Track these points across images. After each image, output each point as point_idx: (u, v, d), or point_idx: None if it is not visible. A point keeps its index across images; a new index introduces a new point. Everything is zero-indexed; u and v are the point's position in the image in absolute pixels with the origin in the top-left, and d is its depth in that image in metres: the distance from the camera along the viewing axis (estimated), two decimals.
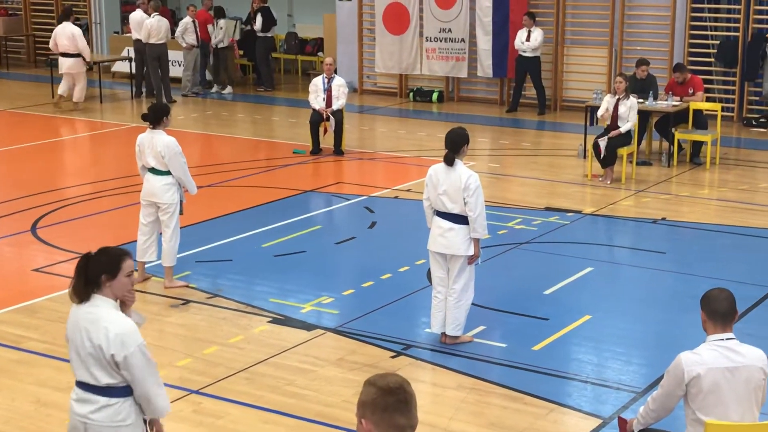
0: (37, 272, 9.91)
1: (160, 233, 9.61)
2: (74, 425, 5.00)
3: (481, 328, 8.55)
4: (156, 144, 9.36)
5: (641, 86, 14.53)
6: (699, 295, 5.56)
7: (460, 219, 7.95)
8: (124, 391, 4.91)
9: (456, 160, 8.00)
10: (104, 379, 4.87)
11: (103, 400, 4.90)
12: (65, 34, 18.29)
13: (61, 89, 18.68)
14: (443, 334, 8.22)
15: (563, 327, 8.59)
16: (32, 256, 10.38)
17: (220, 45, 20.39)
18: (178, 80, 20.32)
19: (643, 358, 8.14)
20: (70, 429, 5.06)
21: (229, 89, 20.61)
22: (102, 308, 4.88)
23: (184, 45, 19.81)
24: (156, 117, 9.42)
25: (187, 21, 19.82)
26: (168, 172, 9.37)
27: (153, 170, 9.43)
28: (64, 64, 18.38)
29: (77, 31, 18.50)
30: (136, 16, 19.31)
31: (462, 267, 8.04)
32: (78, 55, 18.37)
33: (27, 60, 24.74)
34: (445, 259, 8.11)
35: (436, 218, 8.06)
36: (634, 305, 9.22)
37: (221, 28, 20.42)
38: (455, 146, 8.02)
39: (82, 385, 4.95)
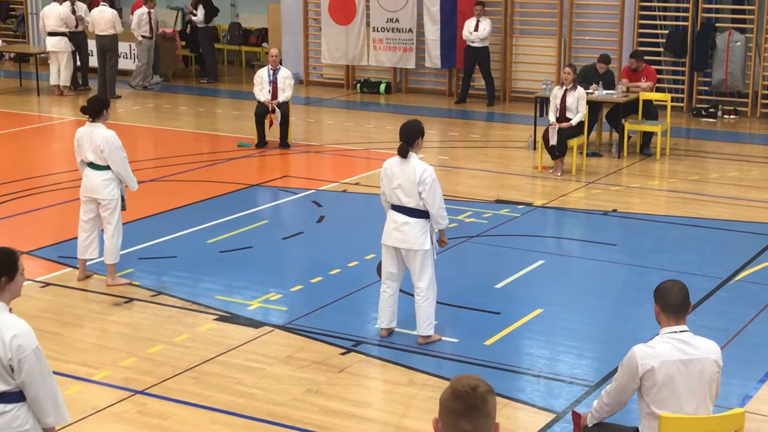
0: None
1: (102, 230, 9.33)
2: None
3: (432, 323, 8.40)
4: (95, 138, 9.11)
5: (598, 80, 14.49)
6: (651, 287, 5.54)
7: (416, 212, 7.81)
8: (19, 396, 4.79)
9: (410, 152, 7.85)
10: (1, 387, 4.74)
11: (9, 406, 4.77)
12: (53, 15, 18.65)
13: (53, 79, 18.91)
14: (420, 336, 8.03)
15: (515, 321, 8.50)
16: None
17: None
18: (124, 72, 19.97)
19: (595, 352, 8.07)
20: None
21: (156, 79, 20.31)
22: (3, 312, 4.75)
23: (140, 37, 19.41)
24: (95, 110, 9.15)
25: (142, 12, 19.43)
26: (107, 167, 9.12)
27: (92, 165, 9.17)
28: (50, 42, 18.71)
29: (63, 11, 18.71)
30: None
31: (423, 263, 7.88)
32: (64, 35, 18.61)
33: None
34: (399, 253, 7.94)
35: (392, 212, 7.94)
36: (586, 298, 9.15)
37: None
38: (410, 138, 7.90)
39: None
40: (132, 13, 20.29)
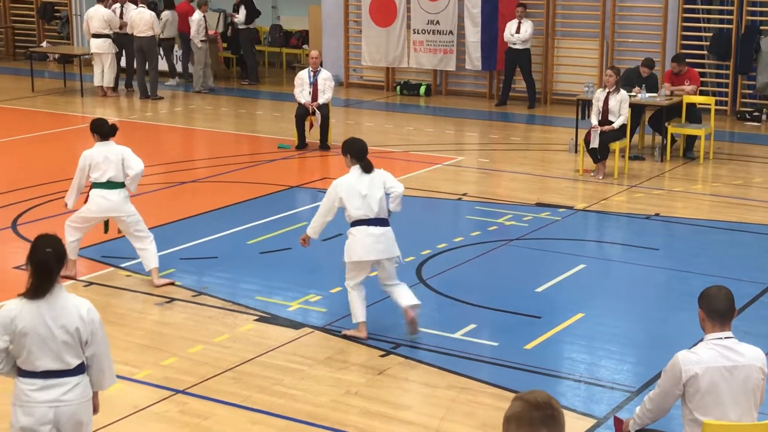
0: (19, 270, 9.68)
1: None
2: (37, 415, 5.03)
3: (472, 326, 8.39)
4: (114, 155, 9.25)
5: (641, 83, 14.38)
6: (693, 292, 5.47)
7: (386, 222, 8.11)
8: (83, 367, 5.14)
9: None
10: (74, 362, 5.07)
11: (74, 379, 5.08)
12: (98, 16, 18.80)
13: (97, 80, 19.08)
14: (409, 308, 8.12)
15: (555, 325, 8.44)
16: (12, 254, 10.16)
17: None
18: (163, 74, 20.11)
19: (637, 357, 8.00)
20: (26, 425, 5.05)
21: (173, 81, 20.40)
22: (61, 294, 5.05)
23: (199, 43, 19.51)
24: (113, 130, 9.43)
25: (199, 17, 19.51)
26: (123, 184, 9.24)
27: (109, 184, 9.21)
28: (94, 44, 18.83)
29: (108, 13, 18.87)
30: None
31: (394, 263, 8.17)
32: (108, 36, 18.74)
33: (6, 53, 24.45)
34: (372, 263, 8.13)
35: (367, 227, 8.03)
36: (628, 303, 9.07)
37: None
38: (366, 153, 8.27)
39: (47, 374, 5.02)
40: (178, 14, 20.39)
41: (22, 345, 5.00)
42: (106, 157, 9.28)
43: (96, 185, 9.30)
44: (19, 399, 5.08)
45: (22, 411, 5.07)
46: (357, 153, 8.26)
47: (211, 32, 21.60)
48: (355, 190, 8.12)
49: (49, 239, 5.05)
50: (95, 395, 5.29)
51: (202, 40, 19.48)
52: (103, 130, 9.43)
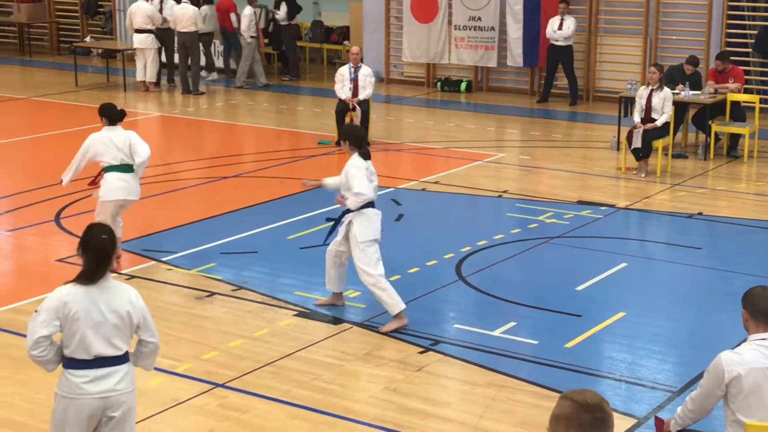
0: (61, 263, 9.79)
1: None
2: (88, 406, 5.10)
3: (512, 324, 8.36)
4: (118, 139, 9.44)
5: (685, 81, 14.25)
6: (736, 292, 5.42)
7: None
8: (128, 355, 5.26)
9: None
10: (123, 347, 5.18)
11: (124, 367, 5.20)
12: (141, 12, 18.94)
13: (139, 75, 19.24)
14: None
15: (596, 324, 8.38)
16: (56, 246, 10.27)
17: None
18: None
19: (678, 357, 7.94)
20: (73, 417, 5.11)
21: (213, 75, 20.48)
22: (109, 280, 5.18)
23: (249, 38, 19.59)
24: (122, 115, 9.60)
25: (250, 13, 19.61)
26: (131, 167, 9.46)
27: (125, 167, 9.41)
28: (137, 39, 18.99)
29: (150, 8, 19.02)
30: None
31: None
32: (151, 32, 18.87)
33: (50, 47, 24.70)
34: None
35: (375, 209, 8.37)
36: (670, 302, 8.99)
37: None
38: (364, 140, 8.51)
39: (99, 361, 5.11)
40: (216, 11, 20.52)
41: (73, 331, 5.06)
42: (111, 141, 9.43)
43: (110, 168, 9.41)
44: (70, 391, 5.10)
45: (70, 403, 5.10)
46: (356, 140, 8.37)
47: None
48: (369, 173, 8.32)
49: (103, 227, 5.26)
50: None
51: (252, 36, 19.53)
52: (111, 114, 9.56)
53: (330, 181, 8.64)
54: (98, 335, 5.08)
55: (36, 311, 5.11)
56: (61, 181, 9.81)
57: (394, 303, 8.21)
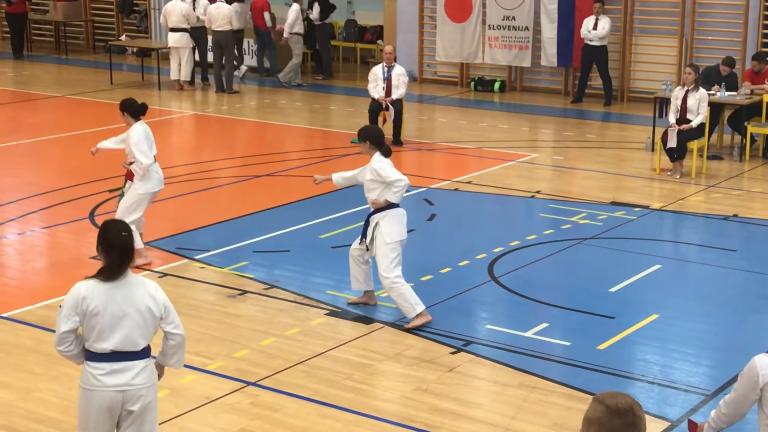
0: (95, 260, 9.84)
1: None
2: (106, 399, 5.15)
3: (544, 325, 8.32)
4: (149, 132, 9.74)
5: (722, 81, 14.13)
6: None
7: None
8: (149, 351, 5.26)
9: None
10: (143, 342, 5.19)
11: (142, 362, 5.20)
12: (176, 11, 19.03)
13: (174, 74, 19.35)
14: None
15: (629, 326, 8.33)
16: (90, 244, 10.32)
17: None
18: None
19: (712, 360, 7.86)
20: (94, 410, 5.17)
21: (243, 69, 20.53)
22: (129, 275, 5.19)
23: (295, 36, 19.63)
24: (145, 108, 9.72)
25: (297, 9, 19.67)
26: None
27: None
28: (172, 38, 19.09)
29: (185, 7, 19.09)
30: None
31: None
32: (186, 30, 18.99)
33: (86, 46, 24.89)
34: None
35: (400, 209, 8.35)
36: (704, 304, 8.92)
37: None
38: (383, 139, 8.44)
39: (117, 355, 5.14)
40: (251, 10, 20.60)
41: (92, 325, 5.12)
42: (149, 135, 9.68)
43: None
44: (89, 383, 5.18)
45: (90, 395, 5.17)
46: (376, 139, 8.36)
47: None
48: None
49: (122, 224, 5.27)
50: (161, 367, 5.44)
51: (297, 33, 19.56)
52: (133, 109, 9.63)
53: (339, 177, 8.71)
54: (116, 330, 5.11)
55: (60, 306, 5.19)
56: (94, 150, 10.17)
57: (410, 306, 8.22)
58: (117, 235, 5.14)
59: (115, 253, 5.13)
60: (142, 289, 5.18)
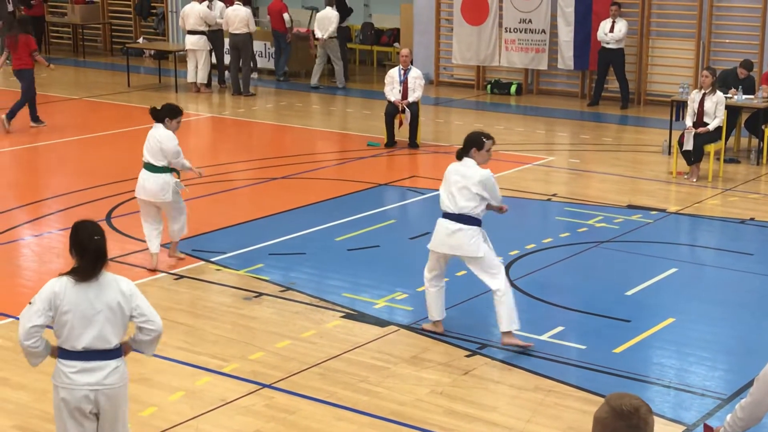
0: (111, 262, 9.87)
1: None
2: (78, 397, 5.20)
3: (560, 328, 8.31)
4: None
5: (738, 85, 14.09)
6: None
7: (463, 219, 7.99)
8: (122, 350, 5.31)
9: (465, 157, 8.09)
10: (114, 340, 5.23)
11: (114, 363, 5.25)
12: (193, 13, 19.11)
13: (191, 77, 19.42)
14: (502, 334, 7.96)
15: (645, 329, 8.30)
16: (108, 245, 10.35)
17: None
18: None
19: (729, 364, 7.83)
20: (66, 407, 5.22)
21: (254, 75, 20.59)
22: (104, 273, 5.22)
23: (328, 38, 19.68)
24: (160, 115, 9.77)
25: (334, 13, 19.69)
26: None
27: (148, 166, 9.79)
28: (189, 41, 19.17)
29: (203, 10, 19.13)
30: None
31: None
32: (203, 33, 19.08)
33: (103, 48, 24.99)
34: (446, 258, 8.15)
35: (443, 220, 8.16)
36: (720, 308, 8.88)
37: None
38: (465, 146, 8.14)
39: (89, 354, 5.18)
40: (268, 13, 20.63)
41: (63, 322, 5.17)
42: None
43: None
44: (61, 380, 5.24)
45: (63, 392, 5.24)
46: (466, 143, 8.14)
47: (303, 29, 21.80)
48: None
49: (95, 227, 5.28)
50: (128, 346, 5.42)
51: (332, 36, 19.60)
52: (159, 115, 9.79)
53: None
54: (88, 328, 5.16)
55: (30, 302, 5.22)
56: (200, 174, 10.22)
57: (430, 310, 8.23)
58: (90, 240, 5.17)
59: (89, 257, 5.16)
60: (114, 286, 5.22)
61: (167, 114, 9.74)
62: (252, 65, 20.53)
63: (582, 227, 10.95)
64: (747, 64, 14.50)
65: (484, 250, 7.92)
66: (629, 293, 9.11)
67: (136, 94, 19.33)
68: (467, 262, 8.06)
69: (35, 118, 16.28)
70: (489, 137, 8.14)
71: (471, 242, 7.91)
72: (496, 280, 7.92)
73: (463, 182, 8.01)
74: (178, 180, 9.83)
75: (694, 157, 12.95)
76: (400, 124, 14.86)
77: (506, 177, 13.21)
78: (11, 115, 15.96)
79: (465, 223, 7.95)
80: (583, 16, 18.34)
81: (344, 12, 20.65)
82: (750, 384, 5.38)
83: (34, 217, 11.42)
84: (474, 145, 8.07)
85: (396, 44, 22.09)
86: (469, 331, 8.24)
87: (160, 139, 9.64)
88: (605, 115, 17.55)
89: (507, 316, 7.87)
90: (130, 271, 9.57)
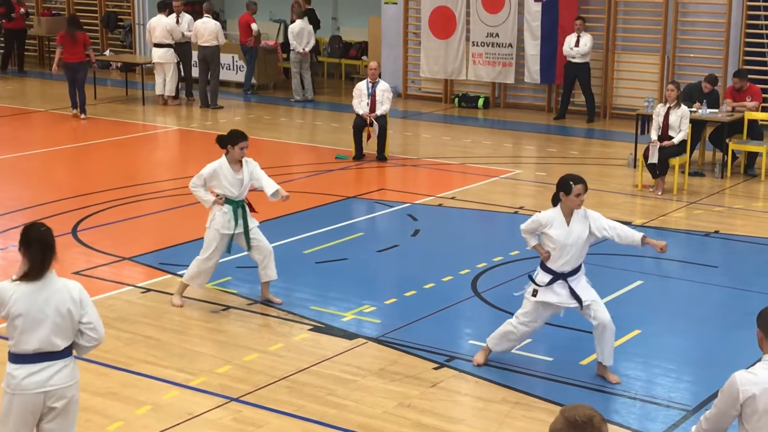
0: (78, 275, 9.83)
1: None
2: (27, 401, 5.25)
3: (527, 341, 8.33)
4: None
5: (703, 98, 14.25)
6: (752, 311, 5.40)
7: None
8: (71, 349, 5.38)
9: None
10: (63, 344, 5.29)
11: (61, 362, 5.31)
12: (160, 26, 19.09)
13: (159, 89, 19.38)
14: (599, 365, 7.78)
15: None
16: (73, 259, 10.32)
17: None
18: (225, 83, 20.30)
19: (694, 376, 7.90)
20: (16, 410, 5.26)
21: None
22: (53, 277, 5.27)
23: (300, 51, 19.71)
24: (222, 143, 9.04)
25: (308, 27, 19.70)
26: None
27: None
28: (157, 54, 19.15)
29: (170, 23, 19.12)
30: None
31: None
32: (170, 46, 19.06)
33: None
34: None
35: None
36: (686, 320, 8.97)
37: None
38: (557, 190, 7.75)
39: (37, 356, 5.24)
40: (239, 26, 20.58)
41: (14, 326, 5.24)
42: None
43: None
44: (10, 386, 5.29)
45: (12, 398, 5.28)
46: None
47: (271, 42, 21.79)
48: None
49: (40, 225, 5.32)
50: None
51: (305, 50, 19.63)
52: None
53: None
54: (37, 331, 5.22)
55: None
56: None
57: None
58: (36, 230, 5.24)
59: (36, 247, 5.21)
60: (65, 291, 5.27)
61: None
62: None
63: None
64: (712, 79, 14.66)
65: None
66: None
67: (102, 106, 19.23)
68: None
69: None
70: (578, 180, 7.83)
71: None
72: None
73: None
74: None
75: (659, 171, 13.07)
76: (369, 137, 14.90)
77: (473, 190, 13.27)
78: None
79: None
80: (550, 30, 18.48)
81: (315, 25, 20.69)
82: (715, 395, 5.43)
83: (0, 230, 11.34)
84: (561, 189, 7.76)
85: (364, 57, 22.14)
86: (436, 344, 8.26)
87: None
88: (571, 129, 17.68)
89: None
90: (96, 284, 9.52)
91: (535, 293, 7.68)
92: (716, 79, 14.83)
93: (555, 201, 7.80)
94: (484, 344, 7.96)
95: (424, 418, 7.04)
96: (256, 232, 9.08)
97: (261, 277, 9.15)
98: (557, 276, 7.60)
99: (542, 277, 7.67)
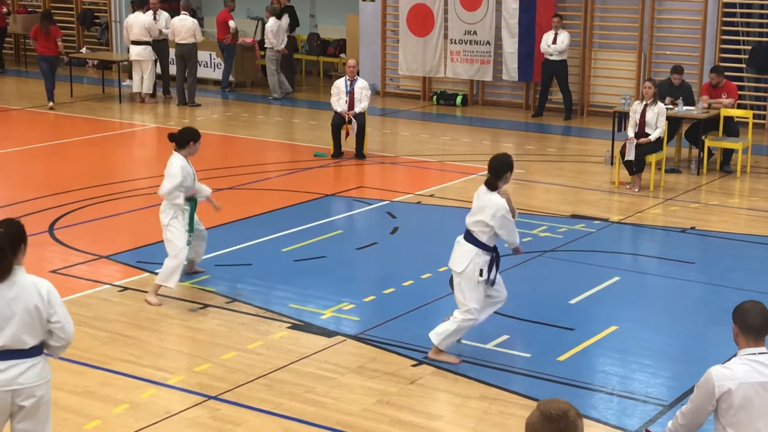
0: (54, 274, 9.80)
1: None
2: None
3: (505, 337, 8.38)
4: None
5: (675, 93, 14.34)
6: (728, 307, 5.45)
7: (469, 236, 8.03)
8: (41, 348, 5.32)
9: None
10: (31, 342, 5.24)
11: (30, 361, 5.25)
12: (137, 24, 18.97)
13: (136, 87, 19.28)
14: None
15: (589, 337, 8.41)
16: (49, 258, 10.28)
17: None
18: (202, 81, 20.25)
19: (670, 371, 7.95)
20: None
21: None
22: (20, 274, 5.22)
23: (279, 49, 19.69)
24: (181, 140, 9.47)
25: (277, 23, 19.63)
26: None
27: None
28: (134, 51, 19.04)
29: (147, 20, 19.00)
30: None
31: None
32: (148, 43, 18.95)
33: None
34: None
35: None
36: (662, 316, 9.02)
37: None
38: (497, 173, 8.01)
39: (4, 354, 5.19)
40: (217, 22, 20.53)
41: None
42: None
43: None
44: None
45: None
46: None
47: (248, 40, 21.74)
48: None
49: (1, 222, 5.24)
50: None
51: (282, 48, 19.61)
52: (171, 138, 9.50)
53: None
54: (5, 330, 5.17)
55: None
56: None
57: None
58: None
59: None
60: (33, 289, 5.22)
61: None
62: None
63: (526, 237, 11.04)
64: (678, 69, 14.70)
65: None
66: (573, 302, 9.21)
67: (79, 104, 19.15)
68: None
69: None
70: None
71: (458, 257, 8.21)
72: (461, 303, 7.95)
73: None
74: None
75: (636, 167, 13.14)
76: (347, 134, 14.90)
77: (452, 187, 13.30)
78: None
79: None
80: (527, 28, 18.53)
81: (294, 23, 20.65)
82: (691, 391, 5.47)
83: None
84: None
85: (342, 55, 22.14)
86: (415, 341, 8.27)
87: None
88: (549, 126, 17.74)
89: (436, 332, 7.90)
90: (73, 282, 9.49)
91: (481, 273, 7.93)
92: (682, 68, 14.84)
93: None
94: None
95: (403, 414, 7.05)
96: (198, 221, 9.56)
97: (195, 258, 9.58)
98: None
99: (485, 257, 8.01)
